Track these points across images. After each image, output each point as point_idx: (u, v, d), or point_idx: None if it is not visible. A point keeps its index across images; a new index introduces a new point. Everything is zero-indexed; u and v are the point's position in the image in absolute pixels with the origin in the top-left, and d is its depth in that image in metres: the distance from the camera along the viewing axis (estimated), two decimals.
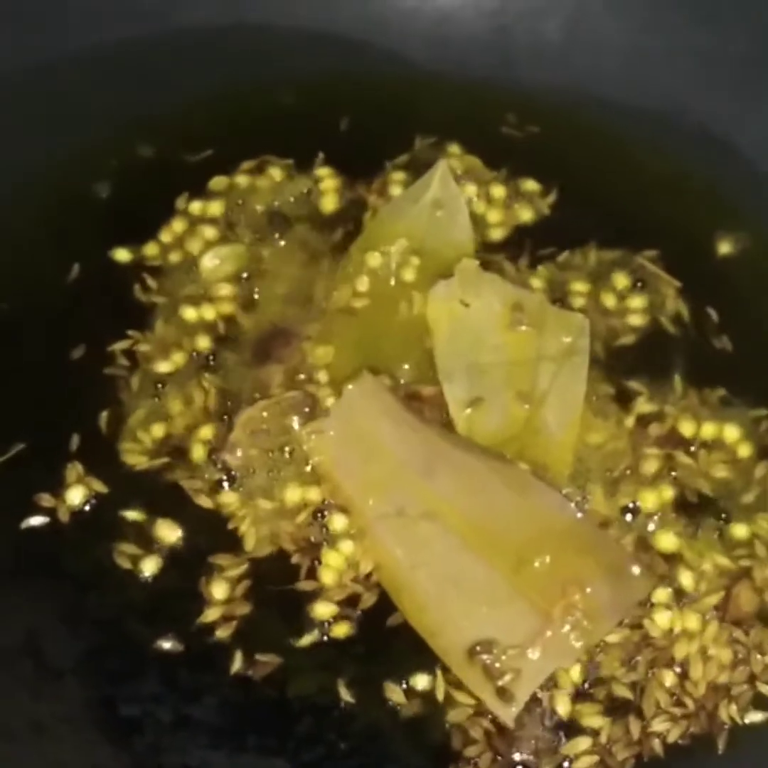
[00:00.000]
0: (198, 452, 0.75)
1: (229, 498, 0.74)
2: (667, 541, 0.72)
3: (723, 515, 0.74)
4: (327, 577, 0.72)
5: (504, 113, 0.90)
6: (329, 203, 0.84)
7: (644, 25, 0.90)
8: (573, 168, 0.87)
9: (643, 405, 0.77)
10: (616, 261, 0.83)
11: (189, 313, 0.80)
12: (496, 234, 0.85)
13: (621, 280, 0.82)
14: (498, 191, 0.86)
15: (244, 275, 0.81)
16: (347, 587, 0.71)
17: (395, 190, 0.85)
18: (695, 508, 0.74)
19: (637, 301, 0.81)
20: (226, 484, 0.74)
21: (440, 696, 0.69)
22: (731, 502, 0.74)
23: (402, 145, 0.86)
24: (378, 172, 0.86)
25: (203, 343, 0.79)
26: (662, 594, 0.71)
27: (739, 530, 0.73)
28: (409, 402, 0.76)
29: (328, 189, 0.85)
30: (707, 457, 0.75)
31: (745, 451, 0.76)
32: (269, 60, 0.88)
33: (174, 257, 0.82)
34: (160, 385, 0.78)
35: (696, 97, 0.89)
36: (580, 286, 0.81)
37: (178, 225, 0.83)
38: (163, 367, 0.78)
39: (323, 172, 0.85)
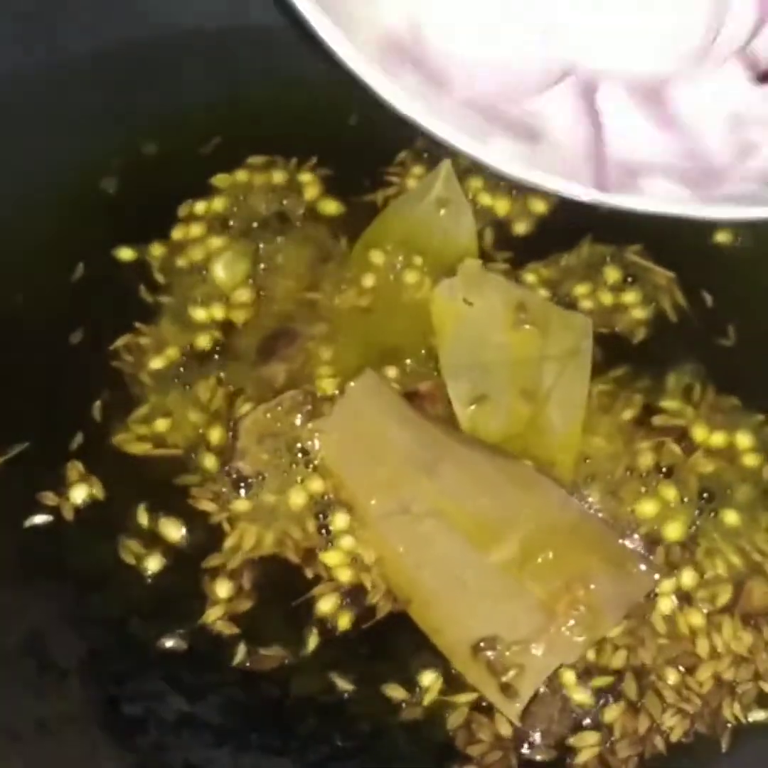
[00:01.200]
0: (210, 462, 0.75)
1: (239, 506, 0.73)
2: (672, 535, 0.72)
3: (729, 510, 0.73)
4: (343, 576, 0.72)
5: None
6: (328, 204, 0.84)
7: None
8: None
9: (647, 404, 0.77)
10: (609, 258, 0.82)
11: (195, 313, 0.79)
12: (507, 228, 0.84)
13: (613, 274, 0.81)
14: None
15: (250, 275, 0.81)
16: (356, 582, 0.71)
17: (401, 189, 0.84)
18: (702, 504, 0.74)
19: (631, 296, 0.81)
20: (242, 492, 0.74)
21: (430, 697, 0.69)
22: (737, 497, 0.74)
23: (409, 144, 0.85)
24: (385, 170, 0.85)
25: (208, 341, 0.79)
26: (667, 589, 0.71)
27: (746, 523, 0.73)
28: (409, 399, 0.76)
29: (318, 191, 0.84)
30: (711, 455, 0.75)
31: (753, 459, 0.76)
32: (275, 60, 0.88)
33: (180, 256, 0.82)
34: (176, 379, 0.78)
35: None
36: (581, 286, 0.81)
37: (183, 224, 0.83)
38: (157, 363, 0.78)
39: (306, 177, 0.85)
